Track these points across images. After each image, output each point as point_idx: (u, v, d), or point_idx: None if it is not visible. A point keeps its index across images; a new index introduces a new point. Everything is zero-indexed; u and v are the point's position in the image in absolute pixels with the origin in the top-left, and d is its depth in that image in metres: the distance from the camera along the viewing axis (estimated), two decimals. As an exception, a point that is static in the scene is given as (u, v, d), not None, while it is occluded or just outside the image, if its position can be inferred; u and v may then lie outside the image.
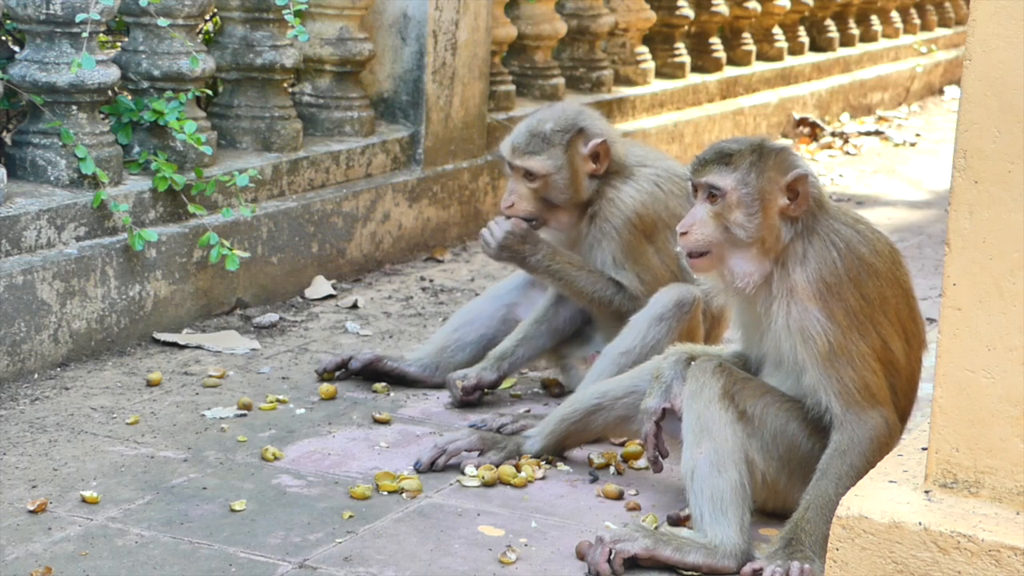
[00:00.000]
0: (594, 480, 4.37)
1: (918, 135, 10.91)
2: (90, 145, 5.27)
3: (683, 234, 3.91)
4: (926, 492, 3.21)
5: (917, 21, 12.72)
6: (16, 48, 5.59)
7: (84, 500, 4.03)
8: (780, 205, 3.89)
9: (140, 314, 5.36)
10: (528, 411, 4.89)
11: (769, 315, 3.91)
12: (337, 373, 5.11)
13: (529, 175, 4.83)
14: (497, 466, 4.34)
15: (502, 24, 7.54)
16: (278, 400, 4.87)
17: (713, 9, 9.53)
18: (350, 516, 4.02)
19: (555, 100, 7.89)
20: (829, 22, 11.19)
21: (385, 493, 4.19)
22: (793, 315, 3.85)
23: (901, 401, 4.00)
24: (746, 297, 3.97)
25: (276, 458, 4.40)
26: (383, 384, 5.05)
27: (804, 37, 10.80)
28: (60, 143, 5.25)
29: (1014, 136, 3.05)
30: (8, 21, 5.43)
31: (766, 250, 3.89)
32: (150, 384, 4.97)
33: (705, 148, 4.03)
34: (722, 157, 3.90)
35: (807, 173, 3.90)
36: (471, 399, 4.91)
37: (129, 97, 5.63)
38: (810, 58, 10.77)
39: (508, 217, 4.88)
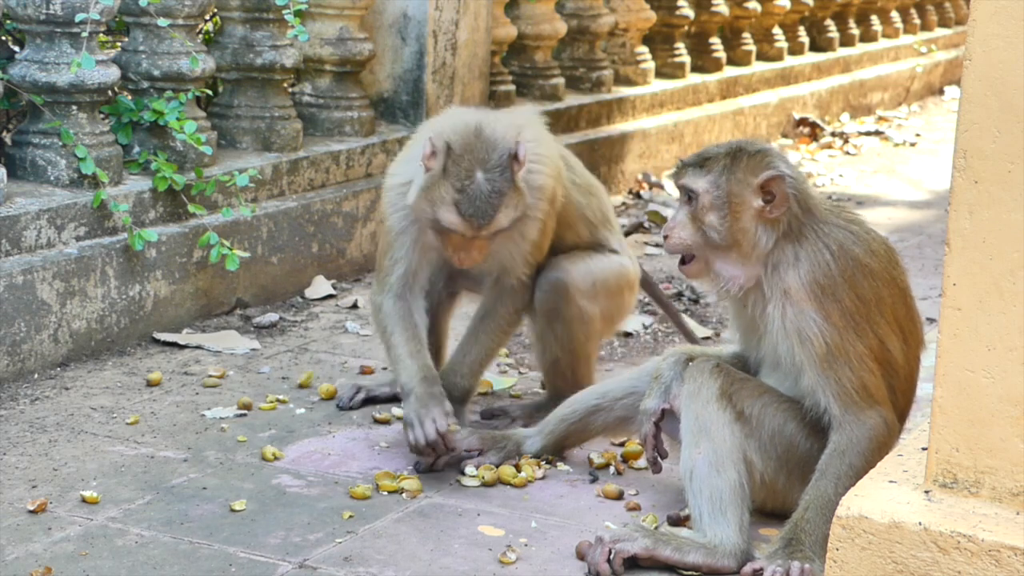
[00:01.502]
0: (594, 480, 4.37)
1: (918, 135, 10.91)
2: (90, 145, 5.27)
3: (665, 237, 3.97)
4: (926, 492, 3.21)
5: (917, 21, 12.72)
6: (16, 48, 5.59)
7: (84, 500, 4.03)
8: (755, 207, 3.87)
9: (140, 314, 5.36)
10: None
11: (764, 318, 3.92)
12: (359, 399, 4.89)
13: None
14: (497, 466, 4.34)
15: (502, 24, 7.54)
16: (278, 400, 4.86)
17: (713, 9, 9.53)
18: (350, 516, 4.02)
19: (555, 100, 7.90)
20: (829, 22, 11.19)
21: (385, 493, 4.19)
22: (789, 317, 3.85)
23: (900, 400, 3.99)
24: (738, 300, 3.99)
25: (276, 458, 4.40)
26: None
27: (804, 37, 10.79)
28: (60, 143, 5.25)
29: (1014, 136, 3.05)
30: (8, 21, 5.43)
31: (744, 254, 3.89)
32: (150, 384, 4.96)
33: (703, 149, 4.08)
34: (700, 161, 3.94)
35: (781, 174, 3.86)
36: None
37: (129, 97, 5.63)
38: (810, 58, 10.76)
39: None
